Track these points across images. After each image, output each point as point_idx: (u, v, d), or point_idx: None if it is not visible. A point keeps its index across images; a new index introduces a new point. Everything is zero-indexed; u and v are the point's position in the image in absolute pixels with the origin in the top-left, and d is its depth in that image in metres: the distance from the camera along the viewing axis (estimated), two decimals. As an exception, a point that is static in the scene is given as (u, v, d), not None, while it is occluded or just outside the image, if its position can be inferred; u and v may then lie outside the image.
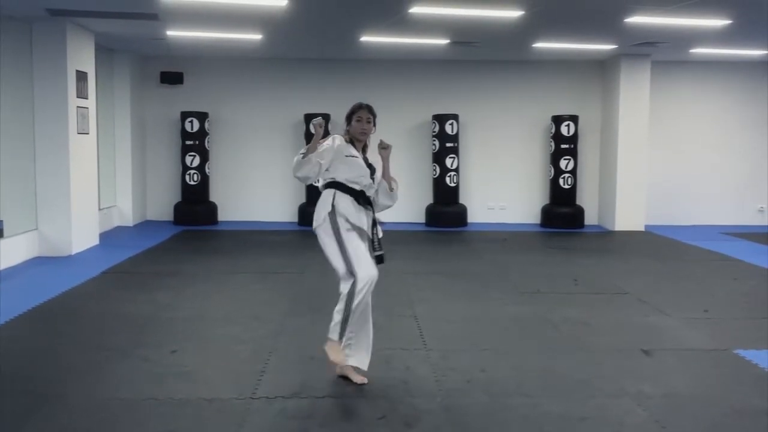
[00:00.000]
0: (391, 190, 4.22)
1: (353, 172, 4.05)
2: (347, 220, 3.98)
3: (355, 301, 3.91)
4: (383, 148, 4.20)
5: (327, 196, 4.05)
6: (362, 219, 4.05)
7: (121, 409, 3.72)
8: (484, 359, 4.60)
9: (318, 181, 4.11)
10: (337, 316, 3.95)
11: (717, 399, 3.98)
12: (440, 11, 7.30)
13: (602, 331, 5.34)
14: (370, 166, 4.15)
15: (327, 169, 4.01)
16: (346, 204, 4.01)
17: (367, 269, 3.94)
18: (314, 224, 4.07)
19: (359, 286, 3.91)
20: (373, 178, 4.14)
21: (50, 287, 6.48)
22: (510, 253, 8.89)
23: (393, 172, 4.27)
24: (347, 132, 4.17)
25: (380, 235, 4.14)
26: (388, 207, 4.29)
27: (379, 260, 4.07)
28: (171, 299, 6.16)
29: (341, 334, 3.95)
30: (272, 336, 5.06)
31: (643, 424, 3.61)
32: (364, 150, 4.19)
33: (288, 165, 12.75)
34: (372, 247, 4.10)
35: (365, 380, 4.10)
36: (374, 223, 4.15)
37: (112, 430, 3.47)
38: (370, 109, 4.15)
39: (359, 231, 4.06)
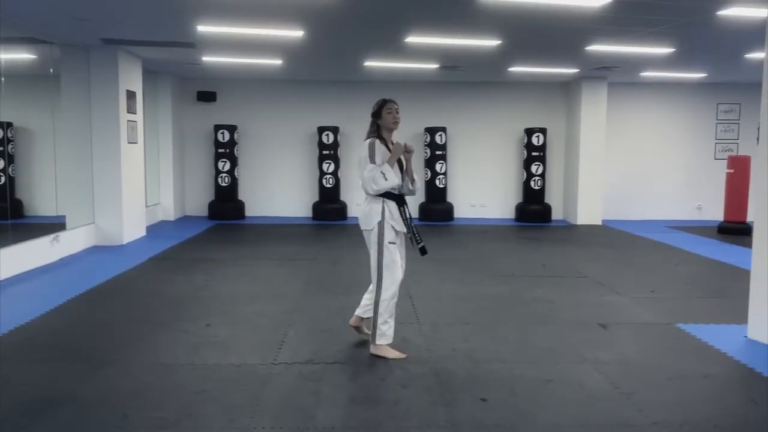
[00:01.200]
0: (413, 182, 4.07)
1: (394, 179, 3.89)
2: (393, 228, 3.87)
3: (380, 309, 3.88)
4: (408, 151, 3.99)
5: (377, 204, 3.88)
6: (402, 222, 3.92)
7: (164, 372, 3.73)
8: (467, 331, 4.60)
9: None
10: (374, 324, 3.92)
11: (662, 365, 3.98)
12: (431, 41, 7.29)
13: (566, 308, 5.33)
14: (399, 161, 3.97)
15: None
16: (393, 209, 3.89)
17: (392, 276, 3.87)
18: (364, 227, 3.94)
19: (383, 295, 3.87)
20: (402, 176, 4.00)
21: (105, 271, 6.49)
22: (489, 243, 8.87)
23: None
24: (377, 127, 3.98)
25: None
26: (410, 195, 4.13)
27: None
28: (206, 281, 6.16)
29: (381, 335, 3.92)
30: (290, 312, 5.06)
31: (600, 386, 3.61)
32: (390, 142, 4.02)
33: (305, 169, 12.58)
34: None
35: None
36: (410, 217, 4.00)
37: (158, 389, 3.48)
38: (395, 102, 4.02)
39: (400, 237, 3.93)
